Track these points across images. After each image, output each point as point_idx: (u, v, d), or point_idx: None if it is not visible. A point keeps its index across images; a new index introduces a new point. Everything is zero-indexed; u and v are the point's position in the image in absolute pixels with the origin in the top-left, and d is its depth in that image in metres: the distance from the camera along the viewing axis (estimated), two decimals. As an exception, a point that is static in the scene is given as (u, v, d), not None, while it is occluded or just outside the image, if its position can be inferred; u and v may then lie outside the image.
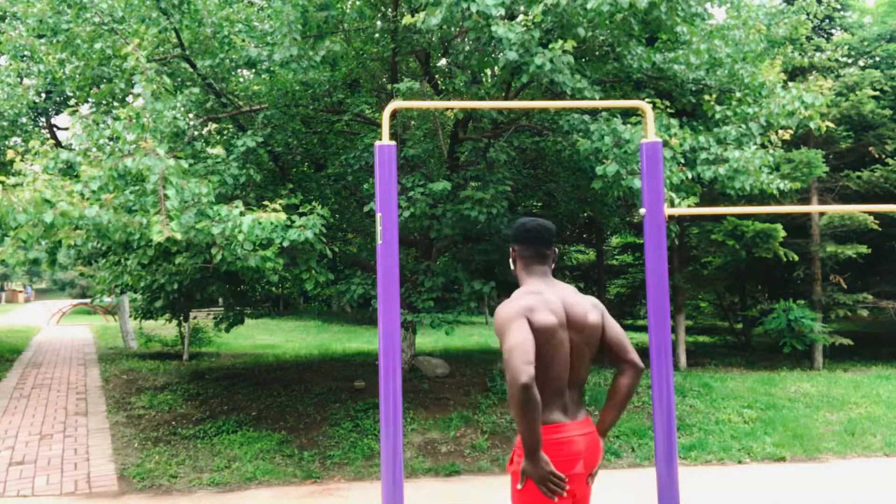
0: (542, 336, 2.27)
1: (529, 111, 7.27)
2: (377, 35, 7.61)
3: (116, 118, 4.90)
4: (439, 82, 8.16)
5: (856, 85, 10.93)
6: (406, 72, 8.75)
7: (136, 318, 9.90)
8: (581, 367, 2.40)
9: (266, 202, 5.28)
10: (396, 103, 3.06)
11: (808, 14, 8.22)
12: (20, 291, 45.14)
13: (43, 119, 11.96)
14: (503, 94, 7.01)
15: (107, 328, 18.48)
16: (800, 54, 8.78)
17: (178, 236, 4.35)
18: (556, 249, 2.58)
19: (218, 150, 5.54)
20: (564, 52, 5.09)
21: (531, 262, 2.50)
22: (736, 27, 6.80)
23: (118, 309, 14.04)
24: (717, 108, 6.47)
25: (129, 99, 6.24)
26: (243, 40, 6.18)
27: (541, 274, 2.48)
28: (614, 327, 2.50)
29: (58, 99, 10.95)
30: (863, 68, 12.55)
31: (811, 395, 8.24)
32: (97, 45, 5.98)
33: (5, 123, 7.14)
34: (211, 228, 4.77)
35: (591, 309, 2.43)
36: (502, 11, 5.09)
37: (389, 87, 7.55)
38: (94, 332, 17.24)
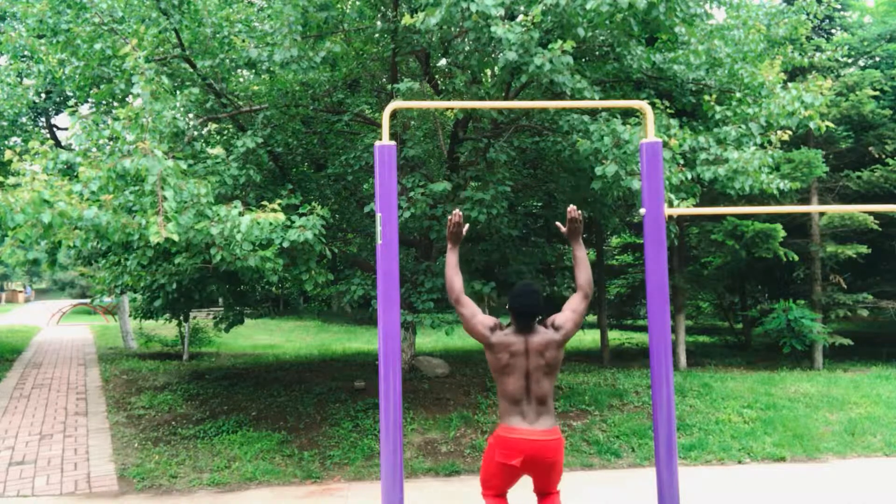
0: (501, 361, 3.16)
1: (529, 111, 7.27)
2: (377, 35, 7.60)
3: (116, 118, 4.89)
4: (439, 82, 8.15)
5: (856, 85, 10.92)
6: (406, 72, 8.75)
7: (136, 318, 9.89)
8: (538, 387, 3.14)
9: (265, 202, 5.28)
10: (396, 103, 3.06)
11: (808, 14, 8.22)
12: (20, 291, 45.14)
13: (43, 119, 11.97)
14: (503, 94, 7.01)
15: (107, 328, 18.48)
16: (800, 54, 8.76)
17: (176, 237, 4.35)
18: (541, 298, 3.27)
19: (218, 151, 5.53)
20: (564, 52, 5.08)
21: (514, 319, 3.22)
22: (735, 27, 6.80)
23: (118, 309, 14.04)
24: (717, 108, 6.46)
25: (129, 99, 6.23)
26: (243, 41, 6.18)
27: (518, 324, 3.21)
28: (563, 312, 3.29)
29: (58, 99, 10.95)
30: (863, 68, 12.55)
31: (811, 395, 8.24)
32: (97, 46, 5.98)
33: (5, 123, 7.15)
34: (210, 229, 4.77)
35: (549, 337, 3.16)
36: (502, 11, 5.09)
37: (389, 87, 7.55)
38: (94, 333, 17.24)
